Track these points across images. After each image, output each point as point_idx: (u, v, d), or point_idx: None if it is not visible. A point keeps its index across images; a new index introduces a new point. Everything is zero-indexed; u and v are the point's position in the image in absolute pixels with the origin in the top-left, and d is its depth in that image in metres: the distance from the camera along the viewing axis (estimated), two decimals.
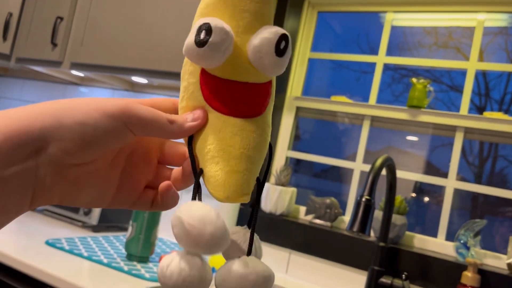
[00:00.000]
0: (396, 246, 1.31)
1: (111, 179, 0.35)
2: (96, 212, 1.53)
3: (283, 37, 0.32)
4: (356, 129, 1.64)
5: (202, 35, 0.30)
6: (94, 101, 0.31)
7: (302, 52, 1.72)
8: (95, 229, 1.56)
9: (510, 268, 1.20)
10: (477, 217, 1.56)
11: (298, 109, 1.70)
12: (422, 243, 1.39)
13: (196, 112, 0.33)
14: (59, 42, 1.64)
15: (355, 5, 1.64)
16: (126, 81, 1.87)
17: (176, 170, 0.37)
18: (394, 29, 1.61)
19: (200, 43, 0.30)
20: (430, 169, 1.65)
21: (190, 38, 0.31)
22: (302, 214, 1.59)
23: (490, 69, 1.45)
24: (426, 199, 1.83)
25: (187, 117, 0.33)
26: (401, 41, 1.78)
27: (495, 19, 1.46)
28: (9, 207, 0.29)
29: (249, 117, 0.33)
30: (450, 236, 1.38)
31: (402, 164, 1.57)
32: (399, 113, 1.48)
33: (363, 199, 1.08)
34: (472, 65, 1.43)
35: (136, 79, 1.70)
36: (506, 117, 1.34)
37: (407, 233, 1.41)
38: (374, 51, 1.65)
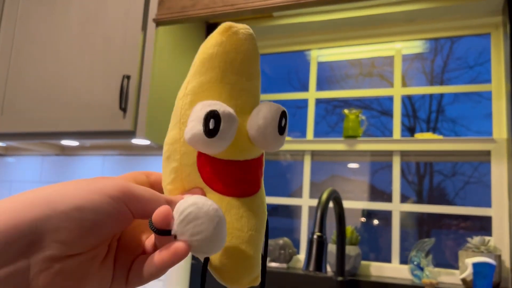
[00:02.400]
0: (354, 278, 1.30)
1: (109, 264, 0.31)
2: None
3: (283, 114, 0.32)
4: (299, 164, 1.65)
5: (212, 125, 0.29)
6: (87, 182, 0.28)
7: None
8: None
9: (465, 283, 1.22)
10: (424, 234, 1.59)
11: None
12: (379, 270, 1.39)
13: (193, 192, 0.31)
14: None
15: (280, 46, 1.69)
16: (55, 146, 1.77)
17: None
18: (321, 64, 1.67)
19: (210, 133, 0.29)
20: (374, 192, 1.68)
21: (197, 128, 0.29)
22: None
23: (413, 93, 1.53)
24: (375, 222, 1.85)
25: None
26: (329, 74, 1.84)
27: (411, 47, 1.55)
28: None
29: (251, 195, 0.32)
30: (403, 257, 1.40)
31: (348, 191, 1.59)
32: (337, 145, 1.51)
33: (315, 236, 1.07)
34: (397, 91, 1.50)
35: (66, 142, 1.62)
36: (435, 136, 1.41)
37: (363, 262, 1.41)
38: (305, 87, 1.69)
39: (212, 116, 0.29)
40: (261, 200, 0.33)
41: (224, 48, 0.31)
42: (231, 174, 0.31)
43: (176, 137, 0.31)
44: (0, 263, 0.24)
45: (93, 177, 0.30)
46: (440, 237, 1.62)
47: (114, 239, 0.32)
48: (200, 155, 0.31)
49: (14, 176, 1.90)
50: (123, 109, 1.32)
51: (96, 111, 1.36)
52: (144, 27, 1.38)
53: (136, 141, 1.37)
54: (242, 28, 0.32)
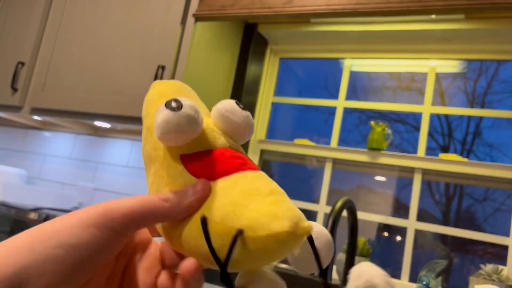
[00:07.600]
0: None
1: (116, 280, 0.30)
2: None
3: (236, 102, 0.33)
4: (322, 171, 1.65)
5: (174, 104, 0.29)
6: (68, 215, 0.26)
7: (266, 96, 1.75)
8: None
9: None
10: (446, 256, 1.57)
11: (263, 152, 1.71)
12: None
13: (197, 184, 0.29)
14: (19, 87, 1.62)
15: (315, 52, 1.70)
16: (89, 126, 1.86)
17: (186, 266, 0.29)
18: (359, 73, 1.66)
19: (176, 108, 0.29)
20: (399, 207, 1.66)
21: (163, 114, 0.29)
22: None
23: (444, 112, 1.51)
24: (392, 237, 1.83)
25: (187, 191, 0.28)
26: (367, 84, 1.83)
27: (447, 66, 1.53)
28: None
29: (253, 169, 0.31)
30: (416, 276, 1.38)
31: (372, 203, 1.59)
32: (360, 155, 1.51)
33: None
34: (426, 109, 1.48)
35: (99, 123, 1.69)
36: (460, 158, 1.38)
37: None
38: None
39: (173, 100, 0.29)
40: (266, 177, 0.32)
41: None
42: (219, 157, 0.31)
43: (158, 172, 0.31)
44: None
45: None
46: (463, 261, 1.58)
47: (119, 268, 0.30)
48: (183, 159, 0.31)
49: (48, 150, 2.00)
50: None
51: (129, 97, 1.42)
52: (184, 21, 1.42)
53: None
54: None
